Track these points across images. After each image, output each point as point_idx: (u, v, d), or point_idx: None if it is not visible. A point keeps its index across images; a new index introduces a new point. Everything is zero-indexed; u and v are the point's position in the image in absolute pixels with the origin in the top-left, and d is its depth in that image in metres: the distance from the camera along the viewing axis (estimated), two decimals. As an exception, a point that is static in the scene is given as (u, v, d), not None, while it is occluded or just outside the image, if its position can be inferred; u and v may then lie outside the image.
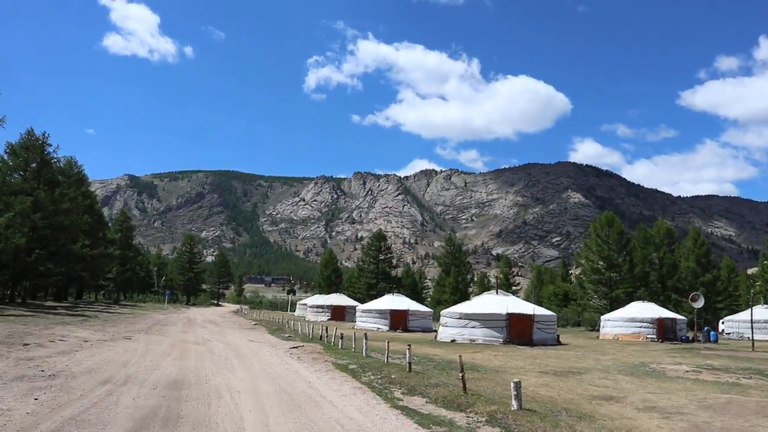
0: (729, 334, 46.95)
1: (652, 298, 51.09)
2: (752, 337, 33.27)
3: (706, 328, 40.12)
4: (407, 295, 55.17)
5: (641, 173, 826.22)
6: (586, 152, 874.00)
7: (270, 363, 16.65)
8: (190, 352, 18.37)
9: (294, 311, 76.58)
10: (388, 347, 17.11)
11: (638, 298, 47.37)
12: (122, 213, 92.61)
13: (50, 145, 44.30)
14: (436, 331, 34.23)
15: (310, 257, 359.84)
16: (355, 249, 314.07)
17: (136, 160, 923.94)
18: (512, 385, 10.04)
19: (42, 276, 44.48)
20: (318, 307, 61.86)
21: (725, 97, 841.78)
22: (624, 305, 44.71)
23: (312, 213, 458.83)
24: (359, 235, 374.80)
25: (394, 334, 34.17)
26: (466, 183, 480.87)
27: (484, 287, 78.30)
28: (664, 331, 37.80)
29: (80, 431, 7.63)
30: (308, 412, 9.57)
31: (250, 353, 19.41)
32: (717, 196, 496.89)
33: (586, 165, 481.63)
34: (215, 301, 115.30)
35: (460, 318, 30.44)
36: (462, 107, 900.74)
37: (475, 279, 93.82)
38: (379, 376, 13.97)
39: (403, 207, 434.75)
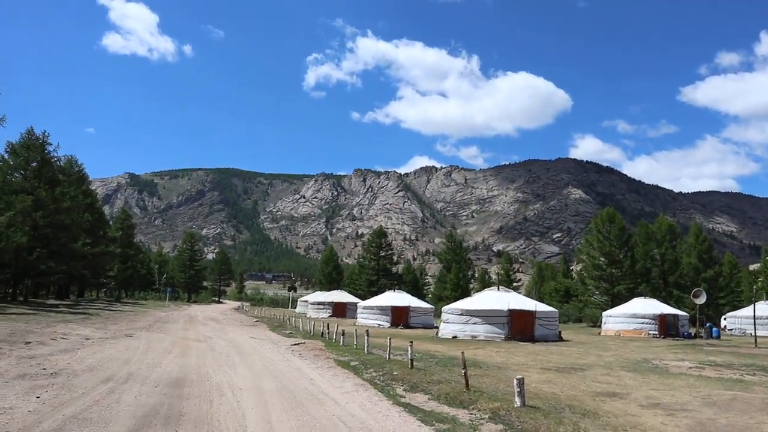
0: (731, 330, 46.86)
1: (654, 294, 51.07)
2: (755, 333, 33.15)
3: (708, 324, 39.96)
4: (408, 292, 55.13)
5: (642, 169, 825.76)
6: (587, 148, 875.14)
7: (272, 360, 16.63)
8: (192, 350, 18.34)
9: (295, 308, 76.56)
10: (390, 344, 17.10)
11: (640, 294, 47.32)
12: (123, 211, 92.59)
13: (50, 144, 44.50)
14: (437, 327, 34.17)
15: (311, 254, 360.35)
16: (356, 246, 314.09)
17: (136, 158, 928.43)
18: (515, 381, 9.98)
19: (43, 274, 44.58)
20: (319, 303, 61.94)
21: (726, 93, 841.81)
22: (625, 301, 44.59)
23: (312, 210, 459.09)
24: (360, 232, 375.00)
25: (395, 331, 34.17)
26: (466, 179, 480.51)
27: (485, 284, 78.37)
28: (666, 327, 37.73)
29: (82, 429, 7.59)
30: (310, 410, 9.53)
31: (251, 350, 19.38)
32: (718, 192, 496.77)
33: (587, 161, 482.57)
34: (216, 299, 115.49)
35: (461, 314, 30.37)
36: (462, 104, 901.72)
37: (476, 275, 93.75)
38: (381, 373, 13.94)
39: (404, 204, 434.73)
